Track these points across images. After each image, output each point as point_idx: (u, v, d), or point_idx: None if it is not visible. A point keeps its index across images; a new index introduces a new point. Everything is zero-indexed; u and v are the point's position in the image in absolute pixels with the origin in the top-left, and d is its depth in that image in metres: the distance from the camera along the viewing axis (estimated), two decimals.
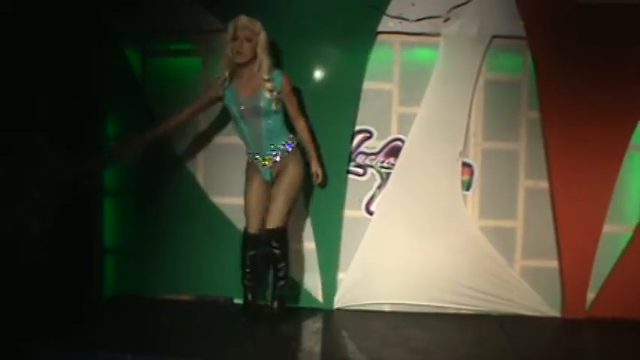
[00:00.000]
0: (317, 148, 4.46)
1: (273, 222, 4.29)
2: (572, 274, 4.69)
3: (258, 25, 4.16)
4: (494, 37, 4.68)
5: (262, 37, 4.15)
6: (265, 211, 4.34)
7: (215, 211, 4.78)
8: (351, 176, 4.74)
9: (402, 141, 4.71)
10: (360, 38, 4.62)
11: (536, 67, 4.65)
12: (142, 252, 4.83)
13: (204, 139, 4.83)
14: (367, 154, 4.74)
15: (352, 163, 4.74)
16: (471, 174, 4.75)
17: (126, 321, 4.43)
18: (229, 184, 4.76)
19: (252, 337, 4.14)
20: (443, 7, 4.62)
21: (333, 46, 4.64)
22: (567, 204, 4.66)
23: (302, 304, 4.74)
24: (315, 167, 4.42)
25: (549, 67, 4.62)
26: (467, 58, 4.67)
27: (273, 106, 4.20)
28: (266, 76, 4.16)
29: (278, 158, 4.31)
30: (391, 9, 4.61)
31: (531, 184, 4.76)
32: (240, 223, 4.71)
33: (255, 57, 4.16)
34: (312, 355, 3.94)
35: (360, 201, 4.76)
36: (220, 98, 4.32)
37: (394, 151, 4.71)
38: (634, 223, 4.72)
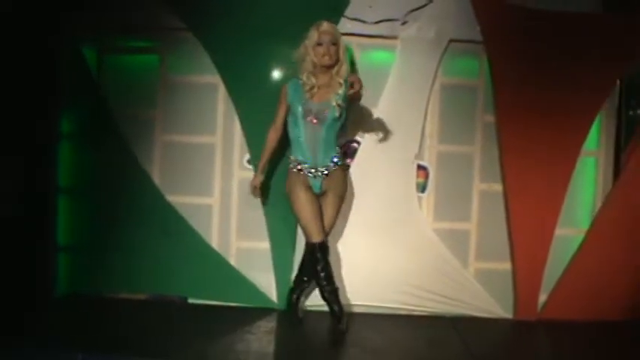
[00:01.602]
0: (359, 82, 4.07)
1: (326, 236, 4.31)
2: (524, 276, 4.74)
3: (338, 31, 4.28)
4: (452, 40, 4.73)
5: (342, 42, 4.25)
6: None
7: (170, 210, 4.74)
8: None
9: (358, 142, 4.73)
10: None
11: (492, 72, 4.71)
12: (97, 250, 4.77)
13: (160, 137, 4.79)
14: None
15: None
16: (426, 176, 4.78)
17: (79, 320, 4.37)
18: (185, 183, 4.76)
19: (206, 337, 4.13)
20: (401, 10, 4.68)
21: (292, 47, 4.62)
22: (521, 207, 4.72)
23: (256, 303, 4.72)
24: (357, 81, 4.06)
25: (505, 72, 4.68)
26: (424, 61, 4.71)
27: (336, 114, 4.16)
28: (341, 80, 4.17)
29: (326, 172, 4.27)
30: (349, 11, 4.65)
31: (486, 187, 4.81)
32: (195, 222, 4.74)
33: (337, 61, 4.20)
34: (265, 355, 3.94)
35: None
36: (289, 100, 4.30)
37: (350, 153, 4.73)
38: (585, 227, 4.80)
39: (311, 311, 4.70)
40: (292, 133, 4.29)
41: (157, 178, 4.78)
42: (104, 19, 4.69)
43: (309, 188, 4.28)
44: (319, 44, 4.16)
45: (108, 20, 4.69)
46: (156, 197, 4.75)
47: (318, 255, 4.22)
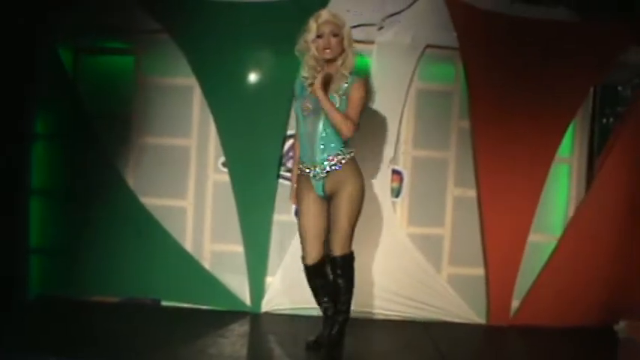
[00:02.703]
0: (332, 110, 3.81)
1: (338, 249, 3.91)
2: (497, 281, 4.77)
3: (342, 19, 3.88)
4: (428, 46, 4.75)
5: (347, 30, 3.88)
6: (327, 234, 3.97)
7: (143, 212, 4.72)
8: (281, 181, 4.74)
9: None
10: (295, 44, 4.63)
11: (468, 78, 4.73)
12: (69, 252, 4.75)
13: (134, 139, 4.78)
14: None
15: (283, 168, 4.74)
16: (401, 181, 4.80)
17: (50, 322, 4.33)
18: (159, 185, 4.76)
19: (179, 340, 4.11)
20: (377, 16, 4.68)
21: (268, 51, 4.65)
22: (494, 213, 4.74)
23: (229, 307, 4.72)
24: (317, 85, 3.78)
25: (480, 78, 4.71)
26: (400, 66, 4.73)
27: (336, 105, 3.80)
28: (346, 72, 3.83)
29: (329, 168, 3.87)
30: None
31: (460, 193, 4.84)
32: (168, 225, 4.74)
33: (342, 52, 3.86)
34: (236, 358, 3.92)
35: None
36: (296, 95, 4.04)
37: None
38: (558, 234, 4.83)
39: (286, 315, 4.70)
40: (296, 130, 4.06)
41: (131, 180, 4.77)
42: (81, 19, 4.66)
43: (316, 199, 3.95)
44: (319, 37, 3.82)
45: (84, 21, 4.67)
46: (130, 199, 4.73)
47: (312, 276, 4.02)
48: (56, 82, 4.74)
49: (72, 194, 4.75)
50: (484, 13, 4.69)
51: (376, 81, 4.66)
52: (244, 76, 4.68)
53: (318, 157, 3.89)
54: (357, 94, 3.84)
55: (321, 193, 3.95)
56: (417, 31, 4.71)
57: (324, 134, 3.88)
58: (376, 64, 4.71)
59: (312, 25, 3.83)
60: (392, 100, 4.71)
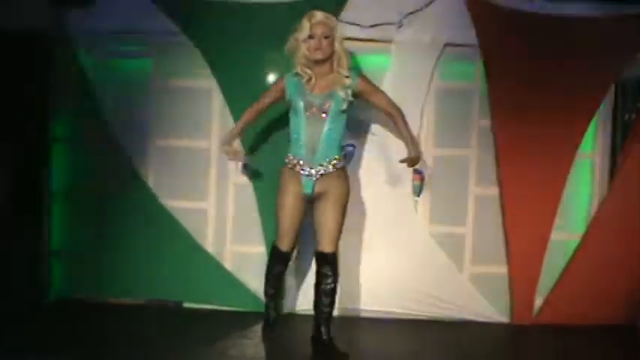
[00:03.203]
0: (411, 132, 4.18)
1: (328, 246, 4.00)
2: (520, 280, 4.74)
3: (334, 20, 3.99)
4: (447, 44, 4.71)
5: (338, 32, 3.98)
6: (317, 232, 4.06)
7: (165, 214, 4.72)
8: None
9: (354, 146, 4.71)
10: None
11: (488, 75, 4.69)
12: (90, 255, 4.76)
13: (154, 141, 4.78)
14: None
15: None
16: (422, 180, 4.77)
17: (71, 325, 4.36)
18: (179, 187, 4.76)
19: (201, 342, 4.11)
20: (396, 14, 4.65)
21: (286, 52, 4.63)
22: (516, 211, 4.71)
23: (249, 308, 4.71)
24: (416, 152, 4.12)
25: (500, 75, 4.68)
26: (419, 64, 4.70)
27: (343, 106, 3.95)
28: (346, 73, 3.95)
29: (323, 171, 3.97)
30: (345, 15, 4.61)
31: (481, 191, 4.80)
32: (190, 226, 4.74)
33: (332, 53, 3.96)
34: None
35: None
36: (282, 99, 4.12)
37: (346, 157, 4.68)
38: (581, 231, 4.80)
39: (307, 315, 4.68)
40: (292, 129, 4.05)
41: (151, 182, 4.77)
42: (99, 22, 4.65)
43: (299, 193, 4.03)
44: (311, 37, 3.90)
45: (103, 24, 4.66)
46: (150, 201, 4.73)
47: (278, 261, 4.23)
48: (75, 85, 4.74)
49: (93, 197, 4.75)
50: (503, 10, 4.65)
51: (396, 80, 4.68)
52: (263, 77, 4.66)
53: (318, 159, 3.98)
54: (373, 86, 4.10)
55: (309, 192, 4.01)
56: (436, 29, 4.67)
57: (328, 137, 3.97)
58: (395, 63, 4.68)
59: (306, 24, 3.91)
60: (412, 99, 4.67)
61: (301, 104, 3.97)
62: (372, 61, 4.68)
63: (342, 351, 3.97)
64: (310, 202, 4.08)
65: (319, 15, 3.92)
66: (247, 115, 4.24)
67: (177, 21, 4.67)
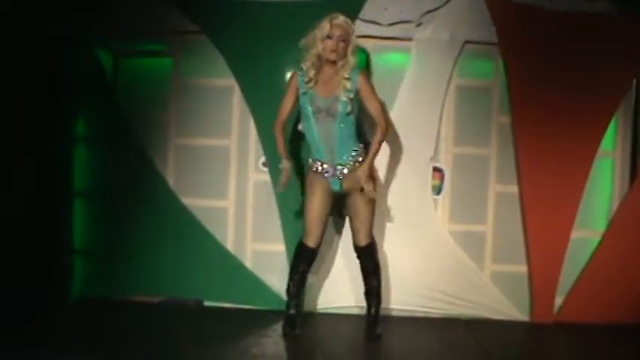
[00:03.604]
0: (375, 154, 4.13)
1: (365, 239, 4.24)
2: (540, 278, 4.73)
3: (352, 27, 4.10)
4: (467, 42, 4.72)
5: (354, 39, 4.07)
6: (352, 227, 4.28)
7: (185, 213, 4.74)
8: None
9: None
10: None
11: (508, 73, 4.69)
12: (112, 253, 4.78)
13: (174, 140, 4.80)
14: None
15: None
16: (442, 178, 4.77)
17: (93, 323, 4.37)
18: (200, 186, 4.78)
19: (222, 340, 4.12)
20: (415, 12, 4.66)
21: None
22: (537, 209, 4.70)
23: (270, 306, 4.70)
24: (363, 172, 4.04)
25: (520, 73, 4.67)
26: (439, 63, 4.70)
27: (348, 108, 4.04)
28: (346, 75, 4.02)
29: (346, 170, 4.13)
30: (364, 13, 4.63)
31: (501, 189, 4.79)
32: (210, 225, 4.76)
33: (344, 58, 4.04)
34: (281, 359, 3.95)
35: None
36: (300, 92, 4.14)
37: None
38: (602, 229, 4.78)
39: (328, 314, 4.70)
40: (307, 134, 4.19)
41: (172, 181, 4.79)
42: (119, 22, 4.69)
43: (327, 190, 4.17)
44: (329, 37, 3.99)
45: (123, 23, 4.70)
46: (171, 200, 4.75)
47: (304, 258, 4.24)
48: (96, 85, 4.78)
49: (113, 196, 4.78)
50: (522, 7, 4.65)
51: (415, 78, 4.69)
52: (282, 75, 4.65)
53: (338, 159, 4.13)
54: (368, 88, 4.09)
55: (338, 189, 4.16)
56: (455, 27, 4.67)
57: (339, 135, 4.08)
58: (415, 61, 4.69)
59: (326, 24, 3.99)
60: (431, 97, 4.69)
61: (310, 109, 4.08)
62: (391, 60, 4.70)
63: (364, 349, 3.99)
64: (341, 198, 4.23)
65: (341, 18, 4.02)
66: (277, 134, 4.23)
67: (197, 20, 4.69)
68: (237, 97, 4.76)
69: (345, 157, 4.13)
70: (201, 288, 4.77)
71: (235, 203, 4.80)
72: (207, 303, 4.81)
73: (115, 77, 4.84)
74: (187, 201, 4.76)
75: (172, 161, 4.80)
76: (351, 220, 4.29)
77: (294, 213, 4.65)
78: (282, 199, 4.66)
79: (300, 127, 4.40)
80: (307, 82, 4.09)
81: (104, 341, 4.01)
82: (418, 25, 4.66)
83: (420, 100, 4.66)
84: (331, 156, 4.14)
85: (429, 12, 4.65)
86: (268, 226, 4.75)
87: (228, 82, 4.73)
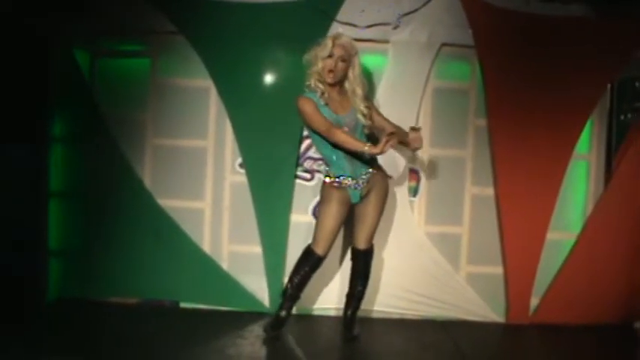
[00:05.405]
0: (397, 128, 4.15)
1: (367, 242, 4.26)
2: (516, 280, 4.75)
3: (355, 47, 4.06)
4: (443, 44, 4.73)
5: (357, 60, 4.05)
6: (356, 230, 4.27)
7: (161, 214, 4.73)
8: (298, 181, 4.74)
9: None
10: (311, 44, 4.62)
11: (484, 75, 4.71)
12: (88, 254, 4.76)
13: (151, 140, 4.79)
14: (315, 159, 4.73)
15: (300, 168, 4.75)
16: (418, 180, 4.79)
17: (69, 325, 4.36)
18: (176, 187, 4.76)
19: (198, 341, 4.12)
20: (393, 15, 4.66)
21: (284, 52, 4.63)
22: (512, 211, 4.72)
23: (247, 308, 4.72)
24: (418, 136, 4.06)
25: (497, 76, 4.69)
26: (416, 65, 4.72)
27: (365, 122, 4.09)
28: (363, 103, 4.07)
29: (366, 178, 4.11)
30: (341, 15, 4.63)
31: (477, 191, 4.81)
32: (186, 226, 4.75)
33: (344, 78, 4.05)
34: (255, 359, 3.94)
35: None
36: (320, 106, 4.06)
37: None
38: (577, 231, 4.81)
39: (305, 315, 4.71)
40: (326, 151, 4.09)
41: (148, 182, 4.77)
42: (96, 22, 4.67)
43: (345, 202, 4.12)
44: (329, 56, 3.96)
45: (100, 23, 4.68)
46: (147, 201, 4.74)
47: (311, 265, 4.18)
48: (72, 84, 4.75)
49: (90, 196, 4.76)
50: (500, 10, 4.66)
51: (393, 80, 4.70)
52: (260, 77, 4.68)
53: (359, 169, 4.09)
54: (375, 108, 4.26)
55: (358, 200, 4.14)
56: (432, 29, 4.68)
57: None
58: (392, 63, 4.70)
59: (329, 42, 3.98)
60: (408, 99, 4.70)
61: (335, 120, 4.01)
62: (368, 62, 4.67)
63: (341, 350, 4.01)
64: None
65: (344, 38, 4.03)
66: (342, 135, 3.97)
67: (175, 20, 4.67)
68: (214, 98, 4.75)
69: (365, 170, 4.11)
70: (177, 289, 4.75)
71: (212, 204, 4.80)
72: (183, 304, 4.80)
73: (92, 77, 4.80)
74: (164, 202, 4.75)
75: (149, 162, 4.78)
76: (355, 225, 4.26)
77: (270, 214, 4.65)
78: (258, 200, 4.66)
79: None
80: (322, 95, 4.03)
81: (80, 342, 4.01)
82: (395, 27, 4.67)
83: (397, 101, 4.66)
84: (353, 169, 4.08)
85: (406, 14, 4.66)
86: (245, 228, 4.74)
87: (205, 82, 4.72)
